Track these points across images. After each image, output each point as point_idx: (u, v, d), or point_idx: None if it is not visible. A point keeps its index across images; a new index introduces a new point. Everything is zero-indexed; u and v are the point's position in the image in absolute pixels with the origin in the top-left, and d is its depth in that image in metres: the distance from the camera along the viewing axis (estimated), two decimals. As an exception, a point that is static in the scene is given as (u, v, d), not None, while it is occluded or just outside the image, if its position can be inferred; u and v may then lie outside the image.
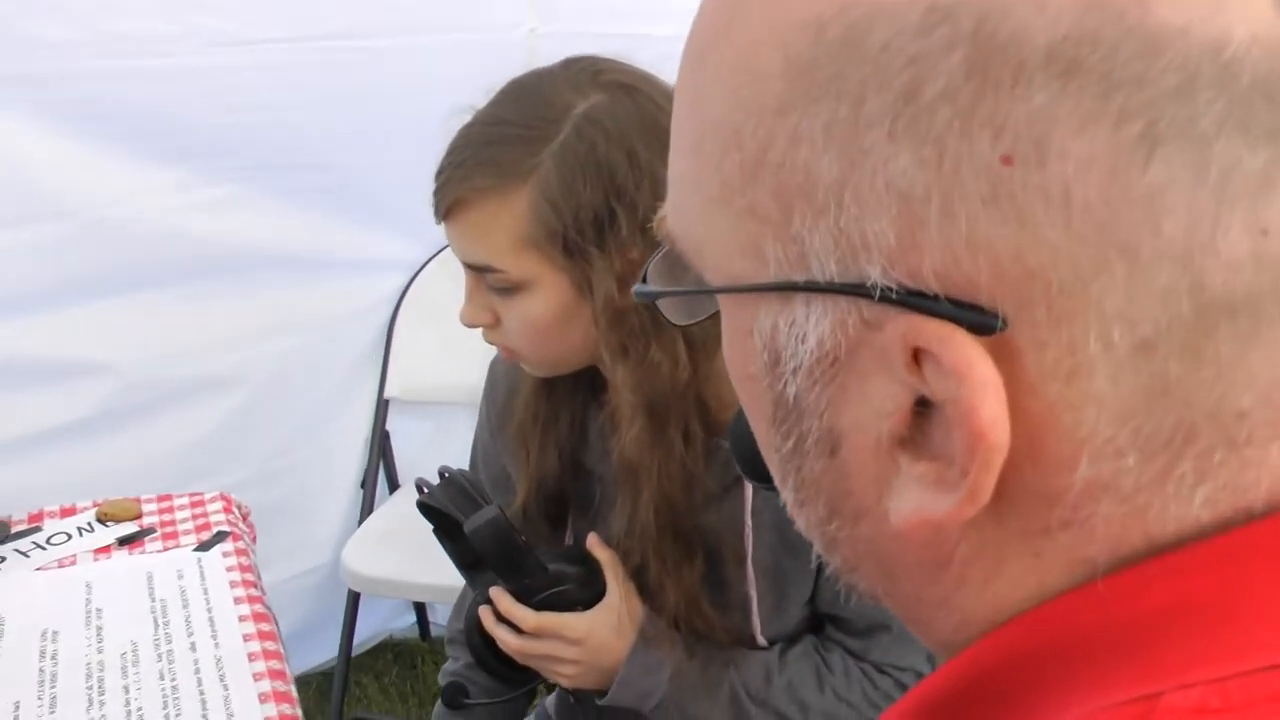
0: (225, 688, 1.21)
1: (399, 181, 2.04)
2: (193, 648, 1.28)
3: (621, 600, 1.18)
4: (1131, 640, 0.36)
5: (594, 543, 1.21)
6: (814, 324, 0.38)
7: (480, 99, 1.12)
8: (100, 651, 1.28)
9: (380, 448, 2.51)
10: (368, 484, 2.50)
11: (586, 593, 1.19)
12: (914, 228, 0.34)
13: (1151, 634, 0.36)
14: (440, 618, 2.64)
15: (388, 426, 2.52)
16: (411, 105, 1.87)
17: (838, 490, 0.41)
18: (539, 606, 1.17)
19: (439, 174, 1.09)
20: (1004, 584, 0.39)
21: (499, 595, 1.18)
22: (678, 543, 1.14)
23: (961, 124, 0.33)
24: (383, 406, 2.50)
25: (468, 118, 1.10)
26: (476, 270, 1.11)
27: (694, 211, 0.42)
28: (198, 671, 1.24)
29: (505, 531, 1.14)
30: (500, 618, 1.19)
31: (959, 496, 0.36)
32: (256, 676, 1.24)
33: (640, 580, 1.19)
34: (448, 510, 1.16)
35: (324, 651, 2.51)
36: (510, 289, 1.09)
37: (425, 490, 1.18)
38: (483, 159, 1.06)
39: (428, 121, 2.03)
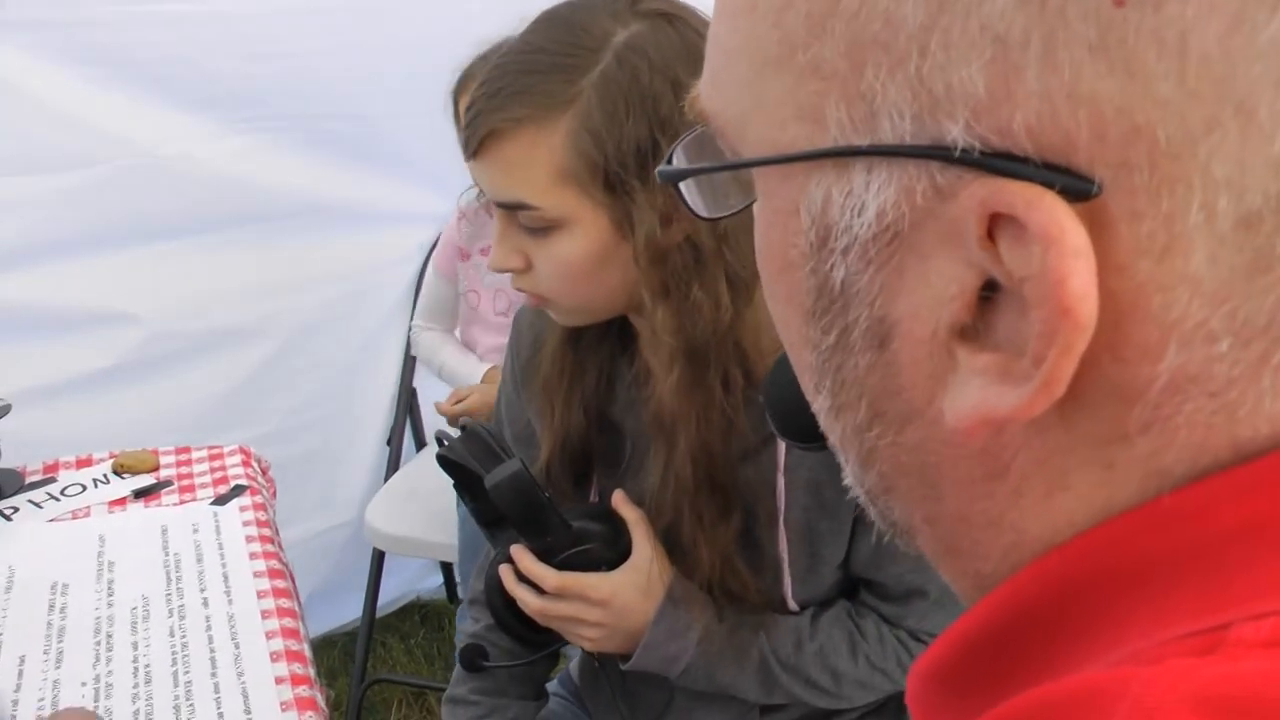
0: (236, 646, 1.17)
1: (427, 134, 2.00)
2: (205, 604, 1.25)
3: (650, 560, 1.13)
4: (1199, 564, 0.32)
5: (620, 500, 1.16)
6: (875, 193, 0.34)
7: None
8: (110, 605, 1.25)
9: (407, 404, 2.48)
10: (394, 441, 2.47)
11: (611, 552, 1.14)
12: (1008, 75, 0.31)
13: (1221, 556, 0.32)
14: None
15: (415, 383, 2.49)
16: (441, 57, 1.83)
17: (884, 389, 0.38)
18: (562, 566, 1.12)
19: (469, 107, 1.04)
20: (1067, 500, 0.35)
21: (520, 553, 1.14)
22: (714, 497, 1.09)
23: None
24: (410, 363, 2.47)
25: (487, 49, 1.05)
26: (509, 209, 1.05)
27: (741, 79, 0.38)
28: (209, 628, 1.20)
29: (528, 486, 1.09)
30: (521, 577, 1.14)
31: (1030, 389, 0.32)
32: (269, 635, 1.20)
33: (672, 539, 1.14)
34: (468, 464, 1.11)
35: (349, 611, 2.49)
36: (545, 228, 1.03)
37: (445, 443, 1.14)
38: (519, 88, 1.01)
39: (458, 74, 1.98)
